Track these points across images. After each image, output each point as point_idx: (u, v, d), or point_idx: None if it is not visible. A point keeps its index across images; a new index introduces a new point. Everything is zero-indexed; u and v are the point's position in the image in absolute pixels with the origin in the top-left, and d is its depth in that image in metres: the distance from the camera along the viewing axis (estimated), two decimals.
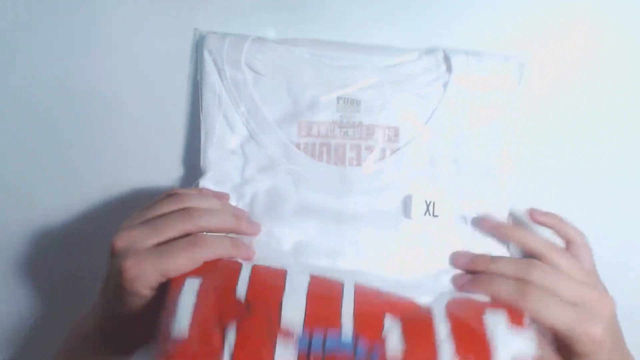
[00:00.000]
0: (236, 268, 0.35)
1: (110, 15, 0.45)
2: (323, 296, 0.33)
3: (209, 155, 0.43)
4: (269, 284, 0.34)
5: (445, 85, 0.43)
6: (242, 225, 0.39)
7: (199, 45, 0.43)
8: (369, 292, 0.35)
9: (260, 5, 0.44)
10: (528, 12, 0.44)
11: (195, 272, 0.34)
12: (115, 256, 0.35)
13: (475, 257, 0.39)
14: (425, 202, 0.42)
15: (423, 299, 0.36)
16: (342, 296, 0.33)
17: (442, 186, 0.43)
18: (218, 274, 0.34)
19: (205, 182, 0.42)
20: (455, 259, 0.40)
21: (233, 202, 0.42)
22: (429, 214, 0.42)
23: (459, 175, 0.43)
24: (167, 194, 0.39)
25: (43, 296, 0.49)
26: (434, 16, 0.44)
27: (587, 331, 0.34)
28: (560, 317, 0.34)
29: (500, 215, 0.42)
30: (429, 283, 0.39)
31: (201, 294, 0.33)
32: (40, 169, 0.47)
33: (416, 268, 0.40)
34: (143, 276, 0.34)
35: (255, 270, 0.35)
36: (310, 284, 0.34)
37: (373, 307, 0.34)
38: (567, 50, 0.44)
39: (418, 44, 0.43)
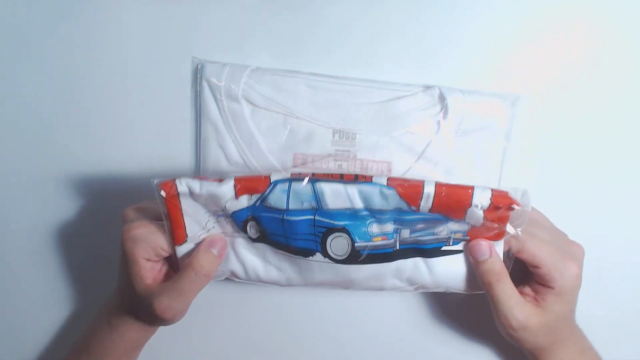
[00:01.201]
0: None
1: (111, 39, 0.45)
2: None
3: None
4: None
5: (439, 122, 0.43)
6: None
7: (197, 74, 0.44)
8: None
9: (258, 35, 0.45)
10: (523, 50, 0.44)
11: None
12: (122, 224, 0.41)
13: None
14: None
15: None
16: None
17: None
18: None
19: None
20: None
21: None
22: None
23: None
24: None
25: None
26: (431, 51, 0.44)
27: (565, 265, 0.39)
28: (545, 251, 0.39)
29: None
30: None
31: None
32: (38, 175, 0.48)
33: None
34: (140, 242, 0.39)
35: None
36: None
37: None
38: (561, 88, 0.45)
39: (415, 80, 0.44)
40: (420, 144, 0.43)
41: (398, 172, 0.44)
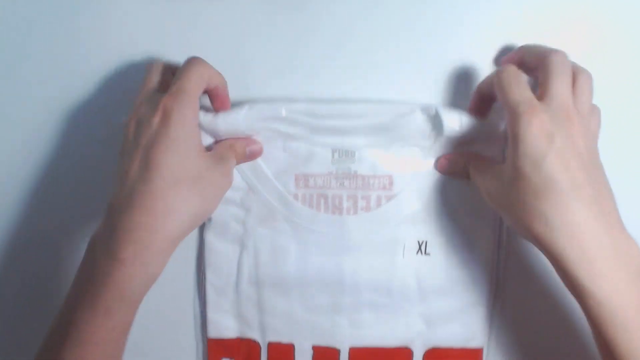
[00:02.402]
0: (258, 349, 0.47)
1: (105, 51, 0.45)
2: None
3: None
4: None
5: (436, 138, 0.43)
6: None
7: None
8: (359, 353, 0.46)
9: (257, 67, 0.44)
10: None
11: (228, 354, 0.47)
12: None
13: None
14: (418, 242, 0.45)
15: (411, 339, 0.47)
16: None
17: (435, 228, 0.45)
18: (245, 355, 0.47)
19: (209, 235, 0.45)
20: None
21: (237, 252, 0.45)
22: (421, 253, 0.45)
23: (452, 216, 0.45)
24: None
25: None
26: (429, 67, 0.44)
27: (530, 116, 0.33)
28: (516, 95, 0.34)
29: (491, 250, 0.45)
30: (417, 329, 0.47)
31: None
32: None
33: (408, 304, 0.46)
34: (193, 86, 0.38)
35: (270, 350, 0.47)
36: (313, 356, 0.47)
37: None
38: None
39: (411, 98, 0.44)
40: (419, 157, 0.44)
41: (399, 185, 0.44)
